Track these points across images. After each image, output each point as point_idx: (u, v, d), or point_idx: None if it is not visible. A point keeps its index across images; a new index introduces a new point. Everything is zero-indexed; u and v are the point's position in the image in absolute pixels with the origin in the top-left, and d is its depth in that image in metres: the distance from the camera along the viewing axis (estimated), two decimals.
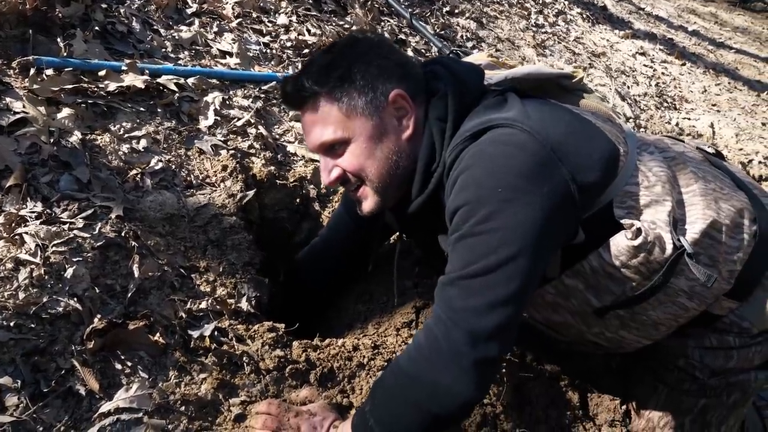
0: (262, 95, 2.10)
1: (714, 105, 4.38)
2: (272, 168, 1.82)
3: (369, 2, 3.04)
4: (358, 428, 1.13)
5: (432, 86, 1.25)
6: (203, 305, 1.35)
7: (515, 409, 1.44)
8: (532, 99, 1.25)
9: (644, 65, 4.60)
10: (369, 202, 1.28)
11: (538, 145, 1.07)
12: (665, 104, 4.07)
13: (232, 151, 1.79)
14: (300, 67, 1.27)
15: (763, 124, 4.33)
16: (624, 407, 1.59)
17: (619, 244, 1.14)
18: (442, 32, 3.38)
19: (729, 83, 5.07)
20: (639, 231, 1.12)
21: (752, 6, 9.94)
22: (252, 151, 1.86)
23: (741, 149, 3.76)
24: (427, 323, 1.09)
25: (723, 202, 1.22)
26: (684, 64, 5.04)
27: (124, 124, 1.66)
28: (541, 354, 1.58)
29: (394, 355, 1.39)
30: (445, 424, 1.08)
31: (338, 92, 1.20)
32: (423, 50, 3.07)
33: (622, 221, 1.14)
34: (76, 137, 1.51)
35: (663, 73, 4.60)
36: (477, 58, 1.46)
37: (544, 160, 1.07)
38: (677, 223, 1.17)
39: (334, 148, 1.24)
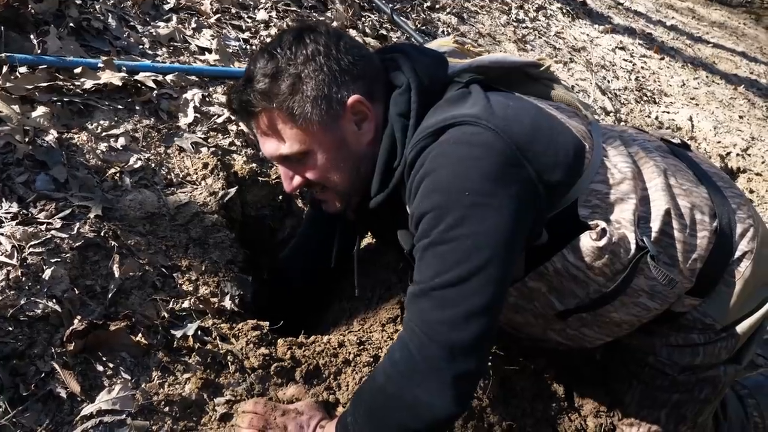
0: None
1: (693, 99, 4.44)
2: (254, 165, 1.81)
3: None
4: None
5: (393, 78, 1.19)
6: (186, 304, 1.33)
7: (501, 402, 1.45)
8: (496, 92, 1.20)
9: (624, 60, 4.64)
10: (332, 204, 1.28)
11: (503, 144, 1.03)
12: (645, 98, 4.11)
13: (213, 149, 1.77)
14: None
15: (741, 117, 4.40)
16: (608, 398, 1.60)
17: (584, 245, 1.12)
18: (423, 27, 3.37)
19: (707, 77, 5.14)
20: (603, 231, 1.10)
21: (729, 1, 10.11)
22: (233, 148, 1.84)
23: (719, 142, 3.82)
24: (402, 337, 1.05)
25: (681, 198, 1.21)
26: (663, 59, 5.10)
27: (101, 122, 1.63)
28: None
29: (379, 350, 1.39)
30: None
31: (289, 106, 1.12)
32: None
33: (587, 221, 1.12)
34: (52, 136, 1.48)
35: (642, 68, 4.65)
36: (441, 43, 1.40)
37: (511, 161, 1.03)
38: (640, 221, 1.15)
39: (292, 160, 1.19)
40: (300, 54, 1.11)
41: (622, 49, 4.87)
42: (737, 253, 1.24)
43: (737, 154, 3.73)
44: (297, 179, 1.22)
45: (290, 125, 1.13)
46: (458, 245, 0.99)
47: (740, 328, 1.30)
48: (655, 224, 1.16)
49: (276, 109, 1.12)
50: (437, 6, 3.71)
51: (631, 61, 4.67)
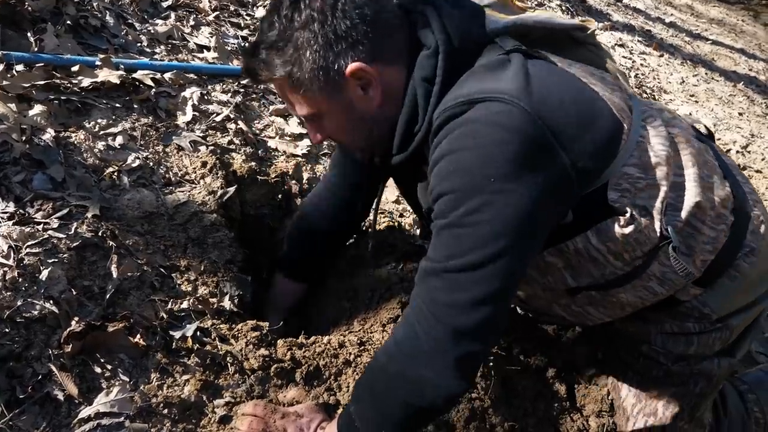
0: (241, 90, 2.06)
1: (692, 96, 4.43)
2: (253, 164, 1.79)
3: None
4: (343, 429, 1.11)
5: (421, 36, 1.10)
6: (185, 305, 1.32)
7: (503, 403, 1.43)
8: (539, 62, 1.11)
9: (623, 57, 4.63)
10: (356, 155, 1.32)
11: (535, 129, 0.98)
12: (645, 95, 4.10)
13: (212, 147, 1.75)
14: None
15: (740, 114, 4.39)
16: (610, 397, 1.60)
17: (610, 230, 1.10)
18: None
19: (706, 74, 5.14)
20: (632, 219, 1.08)
21: None
22: (232, 146, 1.82)
23: (719, 139, 3.81)
24: (407, 316, 1.05)
25: (711, 191, 1.19)
26: (662, 56, 5.09)
27: (99, 120, 1.61)
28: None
29: None
30: (432, 416, 1.09)
31: (291, 76, 1.10)
32: None
33: (615, 205, 1.09)
34: (49, 135, 1.46)
35: (642, 65, 4.64)
36: None
37: (542, 147, 0.99)
38: (668, 208, 1.13)
39: (308, 119, 1.20)
40: (296, 21, 1.07)
41: (622, 46, 4.87)
42: (745, 249, 1.24)
43: (737, 151, 3.73)
44: (318, 135, 1.22)
45: (296, 92, 1.13)
46: (476, 230, 0.97)
47: (735, 320, 1.30)
48: (684, 214, 1.14)
49: (280, 78, 1.12)
50: None
51: (630, 58, 4.66)
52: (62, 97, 1.60)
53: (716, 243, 1.20)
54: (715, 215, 1.19)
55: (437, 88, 1.07)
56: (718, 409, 1.56)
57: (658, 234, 1.10)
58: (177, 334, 1.25)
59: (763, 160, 3.71)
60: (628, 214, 1.08)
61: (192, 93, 1.88)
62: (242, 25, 2.39)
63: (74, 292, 1.20)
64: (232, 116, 1.90)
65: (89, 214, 1.34)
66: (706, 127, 1.38)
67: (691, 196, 1.15)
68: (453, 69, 1.08)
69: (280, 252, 1.67)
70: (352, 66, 1.07)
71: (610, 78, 1.21)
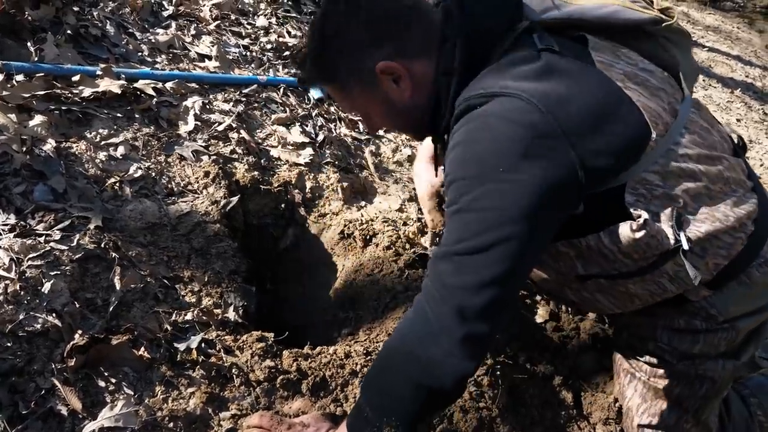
0: (243, 99, 2.05)
1: None
2: (256, 173, 1.78)
3: None
4: (355, 422, 1.10)
5: (446, 28, 1.16)
6: (189, 316, 1.31)
7: (511, 412, 1.42)
8: (567, 64, 1.12)
9: None
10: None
11: (547, 126, 1.02)
12: None
13: (214, 157, 1.74)
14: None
15: (738, 120, 4.40)
16: (618, 405, 1.58)
17: (622, 233, 1.12)
18: None
19: (704, 80, 5.15)
20: (645, 224, 1.10)
21: (722, 5, 10.17)
22: (234, 156, 1.81)
23: None
24: (418, 298, 1.08)
25: (737, 206, 1.21)
26: None
27: (100, 130, 1.60)
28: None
29: None
30: (442, 400, 1.09)
31: (334, 84, 1.26)
32: None
33: (630, 209, 1.11)
34: (50, 145, 1.45)
35: None
36: None
37: (553, 144, 1.03)
38: (682, 217, 1.15)
39: (360, 115, 1.36)
40: (326, 32, 1.19)
41: None
42: (760, 259, 1.25)
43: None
44: (371, 127, 1.37)
45: (341, 94, 1.28)
46: (483, 215, 1.02)
47: (742, 323, 1.31)
48: (704, 227, 1.16)
49: (326, 83, 1.30)
50: None
51: None
52: (63, 108, 1.58)
53: (732, 249, 1.21)
54: (738, 225, 1.20)
55: (456, 79, 1.14)
56: (722, 414, 1.56)
57: (671, 240, 1.12)
58: (181, 346, 1.23)
59: (761, 165, 3.72)
60: (641, 219, 1.10)
61: (194, 102, 1.87)
62: (243, 34, 2.38)
63: (77, 305, 1.18)
64: (234, 125, 1.89)
65: (91, 226, 1.33)
66: (740, 137, 1.38)
67: (710, 209, 1.17)
68: (471, 62, 1.13)
69: None
70: (380, 65, 1.16)
71: (656, 80, 1.19)
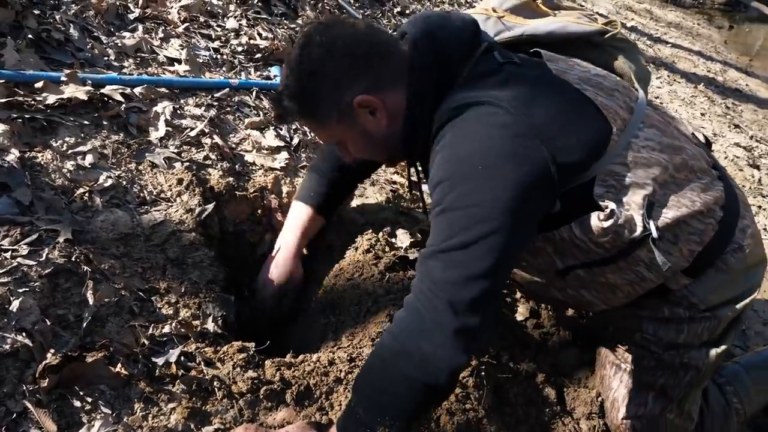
0: (215, 103, 2.01)
1: (657, 97, 4.54)
2: (230, 179, 1.74)
3: (320, 4, 2.98)
4: (346, 423, 1.10)
5: (413, 56, 1.24)
6: (166, 329, 1.27)
7: (496, 411, 1.42)
8: (529, 73, 1.24)
9: None
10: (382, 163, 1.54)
11: (520, 126, 1.11)
12: None
13: (187, 164, 1.70)
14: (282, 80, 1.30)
15: (702, 115, 4.52)
16: (599, 399, 1.60)
17: (591, 223, 1.20)
18: (394, 33, 3.36)
19: (668, 76, 5.28)
20: (611, 213, 1.18)
21: (682, 2, 10.45)
22: (208, 162, 1.77)
23: None
24: (408, 298, 1.11)
25: (703, 192, 1.27)
26: None
27: (66, 139, 1.54)
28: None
29: None
30: (436, 395, 1.10)
31: (313, 117, 1.29)
32: None
33: (600, 200, 1.19)
34: (13, 155, 1.39)
35: None
36: None
37: (526, 142, 1.10)
38: (653, 206, 1.21)
39: (336, 145, 1.38)
40: (304, 70, 1.23)
41: None
42: (734, 245, 1.32)
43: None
44: (347, 157, 1.40)
45: (319, 127, 1.32)
46: (467, 212, 1.07)
47: (723, 311, 1.37)
48: (671, 212, 1.23)
49: (304, 118, 1.32)
50: (407, 11, 3.70)
51: None
52: (26, 116, 1.52)
53: (704, 235, 1.28)
54: (705, 210, 1.27)
55: (428, 102, 1.22)
56: (701, 404, 1.60)
57: (640, 228, 1.20)
58: (160, 361, 1.19)
59: (726, 158, 3.82)
60: (608, 210, 1.18)
61: (164, 108, 1.82)
62: (213, 36, 2.33)
63: (48, 323, 1.13)
64: (206, 130, 1.85)
65: (61, 239, 1.28)
66: (705, 136, 1.46)
67: (681, 199, 1.25)
68: (440, 84, 1.22)
69: (300, 187, 1.71)
70: (357, 99, 1.22)
71: (609, 83, 1.29)
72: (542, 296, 1.54)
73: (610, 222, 1.17)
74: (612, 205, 1.18)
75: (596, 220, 1.19)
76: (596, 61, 1.37)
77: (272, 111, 1.39)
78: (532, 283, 1.43)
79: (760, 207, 3.23)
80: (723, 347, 1.42)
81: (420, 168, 1.50)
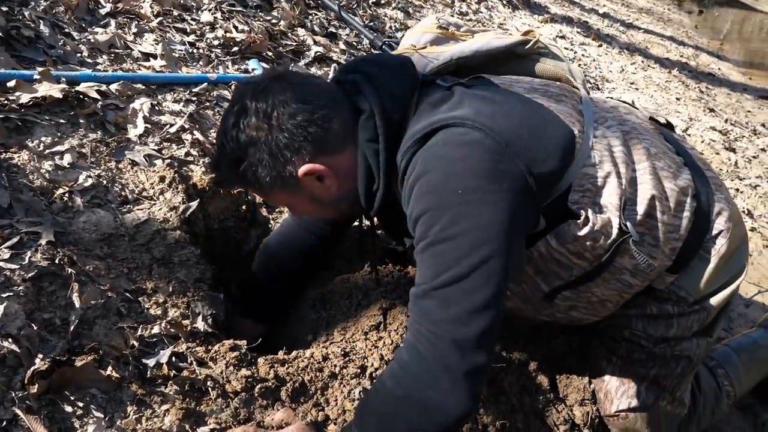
0: (194, 98, 1.97)
1: (632, 83, 4.60)
2: (213, 175, 1.71)
3: None
4: None
5: (358, 102, 1.18)
6: (156, 330, 1.24)
7: (492, 401, 1.43)
8: (481, 88, 1.20)
9: (565, 48, 4.76)
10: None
11: (492, 141, 1.04)
12: (589, 84, 4.22)
13: (168, 160, 1.66)
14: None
15: (677, 99, 4.59)
16: (591, 386, 1.62)
17: (566, 232, 1.15)
18: (371, 23, 3.33)
19: (642, 62, 5.34)
20: (586, 220, 1.14)
21: None
22: (189, 158, 1.74)
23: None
24: (408, 340, 1.04)
25: (668, 181, 1.24)
26: (600, 45, 5.26)
27: (43, 138, 1.50)
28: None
29: (365, 360, 1.34)
30: None
31: (255, 186, 1.22)
32: (354, 42, 3.01)
33: (576, 206, 1.15)
34: None
35: (583, 55, 4.77)
36: (425, 29, 1.41)
37: (500, 157, 1.04)
38: (627, 204, 1.18)
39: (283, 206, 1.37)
40: (241, 140, 1.14)
41: (563, 37, 4.99)
42: (713, 231, 1.29)
43: (678, 135, 3.89)
44: (297, 215, 1.38)
45: (263, 194, 1.28)
46: (455, 243, 0.99)
47: (713, 301, 1.35)
48: (641, 207, 1.19)
49: (246, 187, 1.28)
50: (383, 2, 3.68)
51: (572, 49, 4.79)
52: (0, 116, 1.47)
53: (681, 231, 1.24)
54: (675, 203, 1.23)
55: (382, 143, 1.14)
56: (693, 388, 1.62)
57: (617, 229, 1.15)
58: (151, 362, 1.17)
59: (702, 142, 3.89)
60: (583, 216, 1.14)
61: (141, 104, 1.78)
62: (188, 30, 2.29)
63: (35, 327, 1.10)
64: (186, 126, 1.81)
65: (43, 241, 1.24)
66: (666, 119, 1.45)
67: (646, 189, 1.20)
68: (392, 122, 1.15)
69: (243, 291, 1.65)
70: (302, 169, 1.15)
71: (555, 89, 1.27)
72: (530, 319, 1.48)
73: (586, 229, 1.14)
74: (587, 212, 1.14)
75: (573, 229, 1.15)
76: (518, 71, 1.34)
77: (213, 175, 1.30)
78: (517, 311, 1.38)
79: (737, 190, 3.29)
80: (714, 336, 1.41)
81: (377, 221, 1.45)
